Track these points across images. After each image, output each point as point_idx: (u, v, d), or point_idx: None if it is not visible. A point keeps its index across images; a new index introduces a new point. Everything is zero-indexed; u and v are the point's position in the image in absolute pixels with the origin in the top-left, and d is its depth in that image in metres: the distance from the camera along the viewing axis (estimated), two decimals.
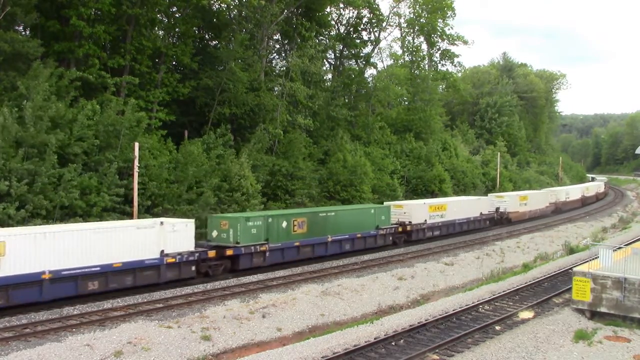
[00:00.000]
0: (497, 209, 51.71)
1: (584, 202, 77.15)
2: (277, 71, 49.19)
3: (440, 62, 75.41)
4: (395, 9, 65.62)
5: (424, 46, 72.83)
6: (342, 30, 59.08)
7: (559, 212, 65.16)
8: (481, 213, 47.79)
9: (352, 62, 61.35)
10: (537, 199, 59.61)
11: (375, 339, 18.38)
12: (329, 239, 32.32)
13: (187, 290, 24.62)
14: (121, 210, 29.18)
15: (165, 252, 24.31)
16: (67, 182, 26.95)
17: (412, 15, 68.66)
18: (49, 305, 21.08)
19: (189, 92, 39.61)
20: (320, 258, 32.26)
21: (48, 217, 26.02)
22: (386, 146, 57.44)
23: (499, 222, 51.60)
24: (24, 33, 33.39)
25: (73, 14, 31.80)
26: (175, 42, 40.71)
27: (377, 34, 63.01)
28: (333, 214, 33.16)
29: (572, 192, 73.93)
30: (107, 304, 21.92)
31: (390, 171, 52.80)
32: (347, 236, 33.66)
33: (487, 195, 56.09)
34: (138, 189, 29.30)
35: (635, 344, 18.12)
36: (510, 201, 53.24)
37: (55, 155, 26.83)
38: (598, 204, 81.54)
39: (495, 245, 40.55)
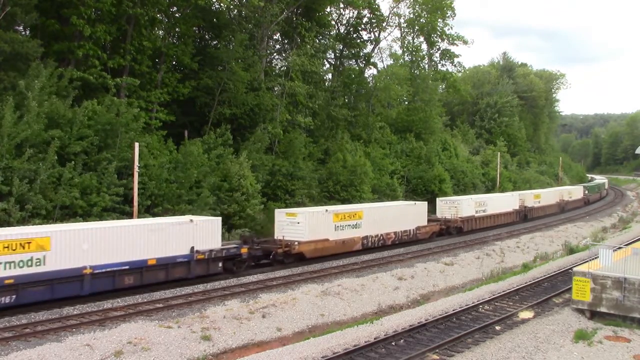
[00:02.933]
0: (251, 239, 30.32)
1: (528, 214, 57.05)
2: (277, 71, 49.18)
3: (440, 62, 75.52)
4: (395, 9, 65.74)
5: (424, 46, 72.99)
6: (342, 30, 59.10)
7: (457, 233, 44.32)
8: (196, 250, 25.52)
9: (352, 62, 61.37)
10: (392, 217, 37.06)
11: (375, 339, 18.38)
12: None
13: (187, 290, 24.61)
14: (121, 210, 29.19)
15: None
16: (67, 181, 26.95)
17: (411, 15, 68.76)
18: (49, 305, 21.10)
19: (189, 92, 39.64)
20: None
21: (48, 217, 26.02)
22: (387, 146, 57.44)
23: (271, 261, 30.17)
24: (23, 33, 33.37)
25: (73, 13, 31.79)
26: (175, 42, 40.72)
27: (377, 34, 63.10)
28: None
29: (496, 202, 51.02)
30: (107, 304, 21.92)
31: (390, 171, 52.81)
32: None
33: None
34: (138, 189, 29.32)
35: (635, 344, 18.13)
36: (307, 222, 30.82)
37: (55, 155, 26.84)
38: (557, 217, 61.37)
39: (495, 245, 40.55)
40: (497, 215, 50.44)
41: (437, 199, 47.31)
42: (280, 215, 31.91)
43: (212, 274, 26.54)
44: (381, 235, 36.02)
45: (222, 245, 27.25)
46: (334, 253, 32.71)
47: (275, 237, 31.33)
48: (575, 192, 74.62)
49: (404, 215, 38.45)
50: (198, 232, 26.09)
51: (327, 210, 32.73)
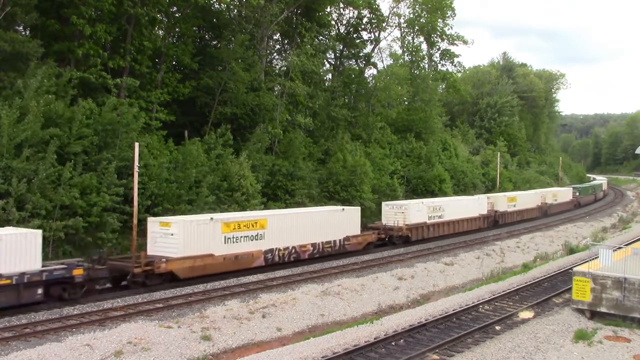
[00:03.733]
0: (96, 257, 24.31)
1: (500, 219, 51.07)
2: (277, 71, 49.21)
3: (440, 62, 75.57)
4: (394, 9, 65.76)
5: (424, 46, 73.03)
6: (342, 30, 59.12)
7: (404, 243, 38.74)
8: None
9: (352, 62, 61.38)
10: (309, 226, 31.88)
11: (375, 338, 18.38)
12: None
13: (187, 290, 24.62)
14: (121, 210, 29.20)
15: None
16: (67, 180, 26.94)
17: (411, 15, 68.77)
18: (49, 305, 21.09)
19: (189, 92, 39.64)
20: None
21: (48, 217, 26.01)
22: (387, 146, 57.47)
23: (129, 284, 24.65)
24: (23, 33, 33.36)
25: (73, 13, 31.76)
26: (175, 42, 40.72)
27: (377, 34, 63.09)
28: None
29: (456, 207, 44.82)
30: (107, 304, 21.93)
31: (390, 171, 52.82)
32: None
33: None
34: (138, 189, 29.31)
35: (635, 344, 18.13)
36: (182, 233, 25.65)
37: (54, 154, 26.82)
38: (536, 223, 55.08)
39: (495, 245, 40.57)
40: (457, 222, 44.10)
41: (383, 203, 41.21)
42: (154, 225, 26.51)
43: (27, 304, 20.48)
44: (293, 247, 30.60)
45: (43, 267, 21.15)
46: (223, 271, 27.17)
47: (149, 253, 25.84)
48: (562, 194, 68.23)
49: (326, 223, 32.78)
50: (3, 250, 19.83)
51: (212, 219, 27.01)
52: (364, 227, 37.47)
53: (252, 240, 28.55)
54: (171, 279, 25.35)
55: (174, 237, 25.59)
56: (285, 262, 30.33)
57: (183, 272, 25.44)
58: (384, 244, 38.14)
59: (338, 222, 33.87)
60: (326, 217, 33.25)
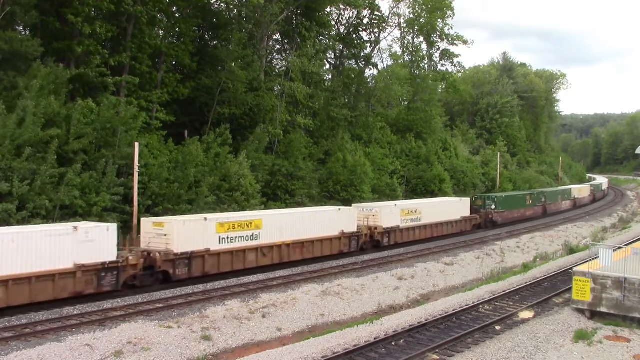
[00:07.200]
0: None
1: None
2: (276, 71, 49.19)
3: (440, 62, 75.57)
4: (394, 9, 65.75)
5: (424, 46, 73.01)
6: (342, 31, 59.11)
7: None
8: None
9: (352, 62, 61.38)
10: None
11: (375, 339, 18.38)
12: None
13: (187, 290, 24.62)
14: (121, 210, 29.18)
15: None
16: (69, 181, 26.90)
17: (411, 16, 68.77)
18: (49, 305, 21.08)
19: (189, 92, 39.61)
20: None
21: (48, 217, 26.00)
22: (387, 146, 57.46)
23: None
24: (23, 33, 33.32)
25: (71, 12, 31.67)
26: (175, 42, 40.70)
27: (377, 35, 63.09)
28: None
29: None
30: (107, 304, 21.93)
31: (390, 171, 52.81)
32: None
33: None
34: (138, 189, 29.30)
35: (635, 344, 18.13)
36: None
37: (54, 154, 26.80)
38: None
39: (495, 245, 40.56)
40: None
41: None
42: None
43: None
44: None
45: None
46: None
47: None
48: (435, 209, 40.93)
49: None
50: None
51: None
52: None
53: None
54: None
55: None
56: None
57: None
58: None
59: None
60: None
